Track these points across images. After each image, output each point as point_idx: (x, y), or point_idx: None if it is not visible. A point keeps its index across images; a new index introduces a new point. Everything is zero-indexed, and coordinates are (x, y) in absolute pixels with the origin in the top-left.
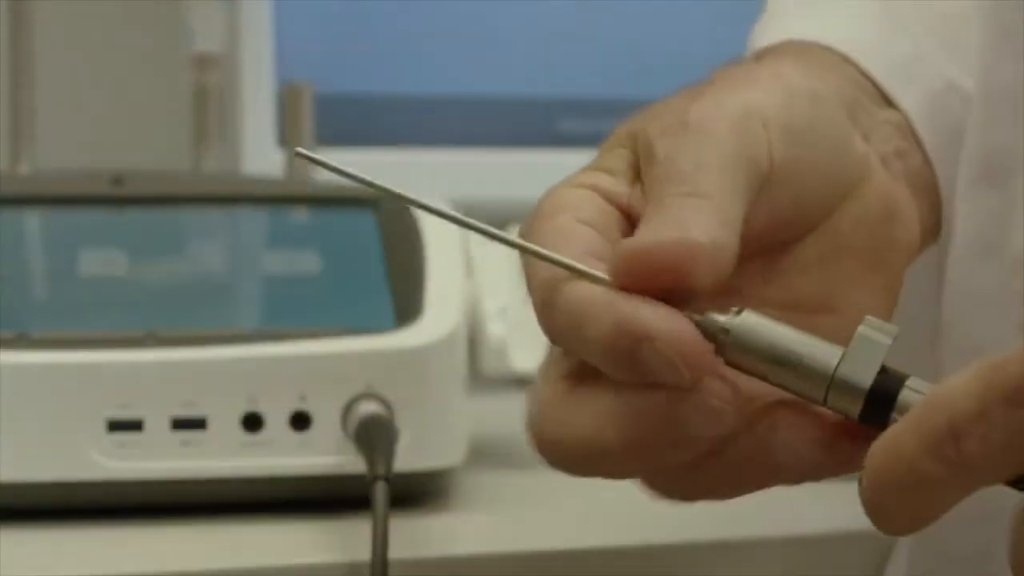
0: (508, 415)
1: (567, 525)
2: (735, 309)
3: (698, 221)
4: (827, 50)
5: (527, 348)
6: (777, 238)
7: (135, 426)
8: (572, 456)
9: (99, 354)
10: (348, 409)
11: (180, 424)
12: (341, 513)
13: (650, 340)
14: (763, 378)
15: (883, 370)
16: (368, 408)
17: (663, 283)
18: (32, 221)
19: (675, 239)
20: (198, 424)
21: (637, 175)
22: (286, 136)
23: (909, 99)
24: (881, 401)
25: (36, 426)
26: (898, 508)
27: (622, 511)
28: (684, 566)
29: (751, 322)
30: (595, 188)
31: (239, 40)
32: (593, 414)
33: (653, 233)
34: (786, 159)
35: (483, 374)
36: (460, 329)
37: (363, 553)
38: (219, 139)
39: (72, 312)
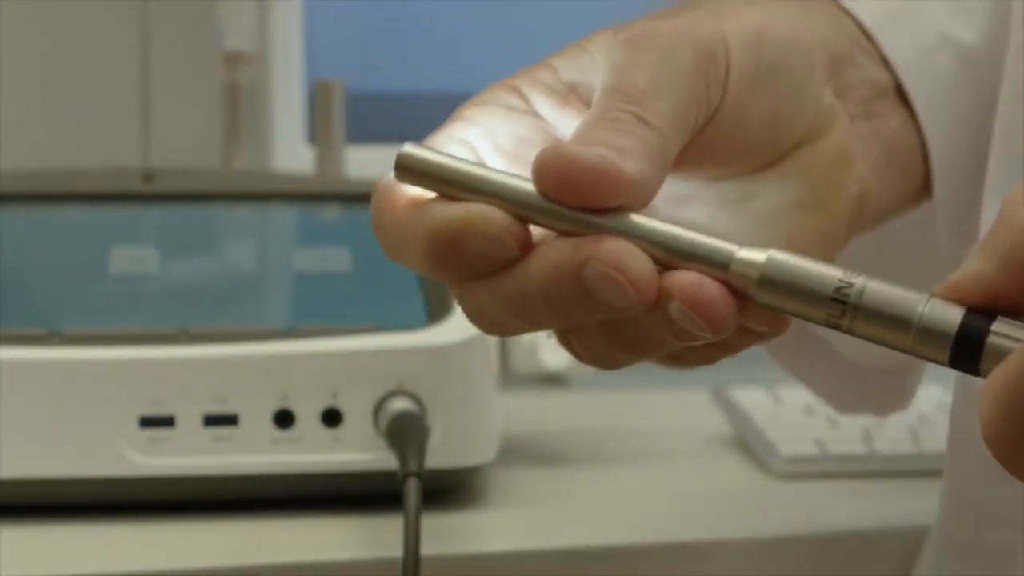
0: (539, 413)
1: (598, 522)
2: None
3: (633, 149)
4: None
5: (557, 347)
6: (718, 168)
7: (167, 422)
8: None
9: (131, 350)
10: (380, 406)
11: (212, 420)
12: (373, 510)
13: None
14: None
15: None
16: (400, 405)
17: (578, 196)
18: (63, 218)
19: (604, 161)
20: (230, 420)
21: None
22: (316, 133)
23: (897, 53)
24: (969, 346)
25: (68, 422)
26: None
27: (652, 508)
28: (713, 562)
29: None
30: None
31: (270, 38)
32: None
33: (586, 141)
34: (738, 103)
35: (514, 372)
36: None
37: (395, 549)
38: (250, 136)
39: (103, 309)
